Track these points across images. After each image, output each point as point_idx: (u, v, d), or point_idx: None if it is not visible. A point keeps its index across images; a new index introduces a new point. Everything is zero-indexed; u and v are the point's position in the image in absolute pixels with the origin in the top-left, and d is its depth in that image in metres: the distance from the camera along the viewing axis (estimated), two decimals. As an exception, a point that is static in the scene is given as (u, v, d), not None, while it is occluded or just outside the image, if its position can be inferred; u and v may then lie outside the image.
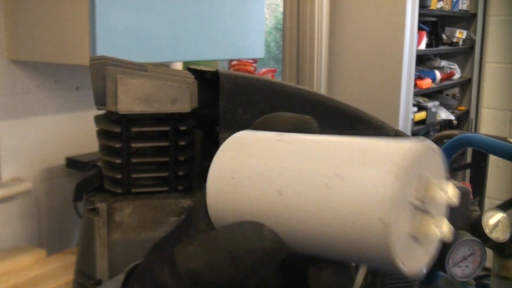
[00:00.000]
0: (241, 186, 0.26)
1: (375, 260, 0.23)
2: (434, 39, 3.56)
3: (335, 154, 0.25)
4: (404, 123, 2.78)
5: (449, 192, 0.24)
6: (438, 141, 1.75)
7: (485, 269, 0.91)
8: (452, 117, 3.69)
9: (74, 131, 1.86)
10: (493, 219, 0.91)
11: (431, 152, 0.25)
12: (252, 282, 0.28)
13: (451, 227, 0.25)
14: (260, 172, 0.26)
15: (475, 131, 3.76)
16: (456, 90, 3.89)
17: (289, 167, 0.25)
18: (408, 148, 0.23)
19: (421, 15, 2.99)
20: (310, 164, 0.25)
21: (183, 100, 0.71)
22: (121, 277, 0.38)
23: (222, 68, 2.88)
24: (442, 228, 0.24)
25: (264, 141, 0.28)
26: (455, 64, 3.79)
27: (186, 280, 0.27)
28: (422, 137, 0.28)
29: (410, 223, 0.23)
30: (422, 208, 0.24)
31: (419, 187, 0.24)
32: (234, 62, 2.85)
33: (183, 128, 0.73)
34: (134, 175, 0.72)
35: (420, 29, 3.19)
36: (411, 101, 2.88)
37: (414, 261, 0.25)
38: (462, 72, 3.86)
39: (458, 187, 0.87)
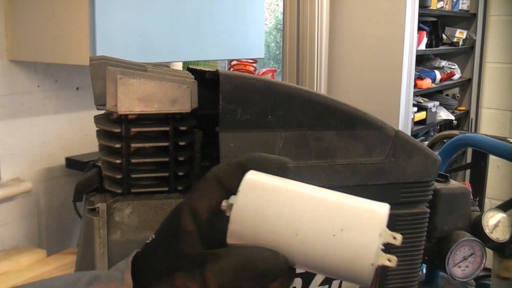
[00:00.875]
0: (264, 223, 0.36)
1: (356, 282, 0.35)
2: (434, 39, 3.56)
3: (337, 213, 0.36)
4: (404, 123, 2.78)
5: (398, 238, 0.36)
6: (438, 141, 1.75)
7: (485, 269, 0.91)
8: (452, 117, 3.69)
9: (74, 131, 1.86)
10: (493, 219, 0.91)
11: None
12: None
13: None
14: (281, 215, 0.35)
15: (475, 131, 3.76)
16: (456, 90, 3.89)
17: (304, 215, 0.35)
18: (384, 214, 0.36)
19: (421, 15, 2.99)
20: (320, 217, 0.35)
21: (183, 100, 0.71)
22: (122, 267, 0.41)
23: (222, 68, 2.88)
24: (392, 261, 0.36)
25: (276, 189, 0.37)
26: (455, 64, 3.79)
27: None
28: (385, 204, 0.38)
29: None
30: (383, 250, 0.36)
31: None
32: (234, 62, 2.85)
33: (183, 128, 0.73)
34: (134, 175, 0.72)
35: (420, 29, 3.19)
36: (411, 101, 2.88)
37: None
38: (462, 72, 3.86)
39: (458, 187, 0.87)
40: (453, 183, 0.88)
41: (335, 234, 0.35)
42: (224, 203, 0.38)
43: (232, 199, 0.37)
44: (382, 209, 0.37)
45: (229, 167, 0.40)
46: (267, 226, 0.35)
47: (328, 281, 0.75)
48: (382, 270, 0.77)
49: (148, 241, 0.41)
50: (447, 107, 3.77)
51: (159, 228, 0.41)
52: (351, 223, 0.35)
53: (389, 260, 0.36)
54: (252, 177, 0.38)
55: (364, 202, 0.37)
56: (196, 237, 0.39)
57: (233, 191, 0.38)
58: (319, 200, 0.36)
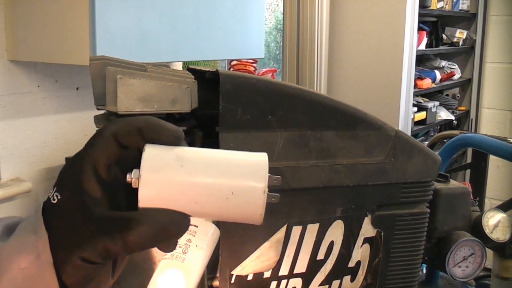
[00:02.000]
0: (168, 196, 0.42)
1: (251, 223, 0.44)
2: (434, 39, 3.56)
3: (226, 175, 0.43)
4: (404, 123, 2.78)
5: (276, 181, 0.45)
6: (438, 141, 1.75)
7: (485, 269, 0.91)
8: (452, 117, 3.69)
9: (74, 131, 1.86)
10: (493, 219, 0.91)
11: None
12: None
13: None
14: (180, 190, 0.42)
15: (475, 131, 3.76)
16: (456, 90, 3.89)
17: (198, 186, 0.42)
18: (265, 164, 0.43)
19: (421, 15, 2.99)
20: (213, 185, 0.42)
21: (183, 100, 0.71)
22: (33, 221, 0.43)
23: (222, 68, 2.88)
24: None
25: (171, 165, 0.42)
26: (455, 64, 3.79)
27: (136, 250, 0.40)
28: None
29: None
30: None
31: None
32: (234, 62, 2.85)
33: (183, 128, 0.73)
34: (134, 175, 0.72)
35: (420, 29, 3.19)
36: (411, 101, 2.88)
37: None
38: (462, 72, 3.86)
39: (458, 187, 0.87)
40: (453, 183, 0.88)
41: (228, 198, 0.42)
42: (128, 177, 0.42)
43: (135, 173, 0.42)
44: (261, 160, 0.44)
45: (127, 128, 0.42)
46: (171, 197, 0.42)
47: (328, 281, 0.75)
48: (382, 270, 0.77)
49: (53, 200, 0.42)
50: (447, 107, 3.77)
51: (59, 184, 0.43)
52: (238, 185, 0.42)
53: (273, 198, 0.44)
54: (150, 154, 0.42)
55: (246, 158, 0.44)
56: (102, 194, 0.42)
57: (129, 148, 0.43)
58: (209, 167, 0.43)
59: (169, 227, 0.41)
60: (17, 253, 0.41)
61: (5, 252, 0.41)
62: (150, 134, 0.42)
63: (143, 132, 0.42)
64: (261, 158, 0.44)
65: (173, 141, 0.43)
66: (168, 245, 0.43)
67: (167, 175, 0.42)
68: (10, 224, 0.46)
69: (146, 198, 0.41)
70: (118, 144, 0.42)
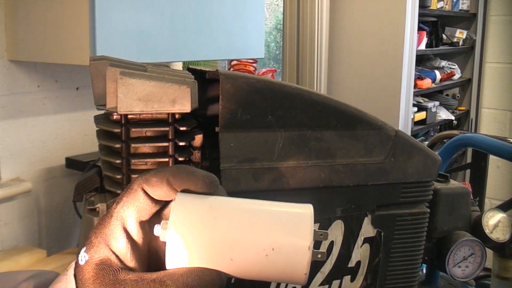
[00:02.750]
0: (199, 252, 0.37)
1: (293, 284, 0.40)
2: (434, 39, 3.56)
3: (266, 229, 0.38)
4: (404, 123, 2.78)
5: (323, 236, 0.40)
6: (438, 141, 1.75)
7: (485, 269, 0.91)
8: (452, 117, 3.69)
9: (74, 131, 1.86)
10: (493, 219, 0.91)
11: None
12: None
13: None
14: (212, 244, 0.37)
15: (475, 131, 3.76)
16: (456, 90, 3.89)
17: (234, 241, 0.37)
18: (310, 217, 0.38)
19: (421, 15, 2.99)
20: (251, 240, 0.37)
21: (183, 100, 0.71)
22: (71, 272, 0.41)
23: (222, 68, 2.88)
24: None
25: (204, 216, 0.38)
26: (455, 64, 3.79)
27: None
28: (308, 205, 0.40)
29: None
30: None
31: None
32: (234, 62, 2.84)
33: (183, 128, 0.73)
34: (134, 175, 0.72)
35: (420, 29, 3.19)
36: (411, 101, 2.88)
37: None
38: (462, 72, 3.86)
39: (458, 187, 0.87)
40: (453, 183, 0.88)
41: (268, 254, 0.37)
42: (156, 229, 0.38)
43: (163, 225, 0.38)
44: (305, 213, 0.39)
45: (156, 179, 0.39)
46: (202, 253, 0.37)
47: (328, 281, 0.75)
48: (382, 270, 0.77)
49: (81, 262, 0.40)
50: (447, 107, 3.77)
51: (87, 243, 0.40)
52: (280, 240, 0.37)
53: (319, 255, 0.39)
54: (180, 204, 0.38)
55: (288, 210, 0.39)
56: (132, 257, 0.39)
57: (159, 201, 0.39)
58: (246, 221, 0.38)
59: (200, 286, 0.37)
60: None
61: None
62: (180, 183, 0.39)
63: (172, 182, 0.39)
64: (306, 211, 0.39)
65: (206, 189, 0.39)
66: None
67: (198, 228, 0.38)
68: (42, 282, 0.44)
69: (175, 255, 0.37)
70: (149, 198, 0.39)
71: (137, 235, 0.39)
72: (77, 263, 0.40)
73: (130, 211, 0.39)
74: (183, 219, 0.38)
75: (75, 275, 0.40)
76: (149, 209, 0.40)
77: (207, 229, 0.37)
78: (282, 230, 0.38)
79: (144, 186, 0.39)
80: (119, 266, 0.38)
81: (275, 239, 0.37)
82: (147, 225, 0.40)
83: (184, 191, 0.39)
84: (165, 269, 0.38)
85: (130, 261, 0.39)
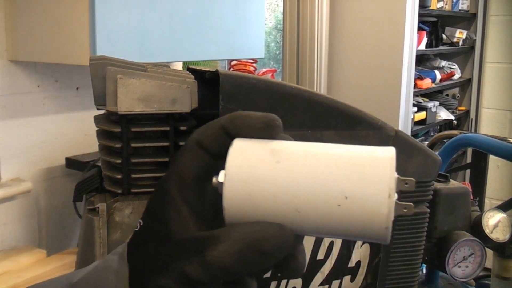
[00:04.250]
0: (260, 203, 0.32)
1: (373, 241, 0.33)
2: (434, 39, 3.56)
3: (337, 174, 0.32)
4: (404, 123, 2.78)
5: (410, 183, 0.34)
6: (438, 141, 1.75)
7: (485, 269, 0.91)
8: (452, 117, 3.69)
9: (74, 131, 1.86)
10: (493, 219, 0.91)
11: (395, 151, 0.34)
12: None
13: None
14: (277, 195, 0.32)
15: (475, 131, 3.76)
16: (456, 90, 3.89)
17: (300, 189, 0.32)
18: (390, 160, 0.33)
19: (421, 15, 2.99)
20: (321, 187, 0.32)
21: (183, 100, 0.71)
22: (121, 250, 0.39)
23: (222, 68, 2.88)
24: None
25: (265, 162, 0.33)
26: (455, 64, 3.79)
27: (221, 275, 0.33)
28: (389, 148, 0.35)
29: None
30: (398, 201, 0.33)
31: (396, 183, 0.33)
32: (234, 62, 2.84)
33: (183, 128, 0.73)
34: (134, 175, 0.72)
35: (420, 29, 3.19)
36: (411, 101, 2.88)
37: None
38: (462, 72, 3.86)
39: (458, 187, 0.87)
40: (453, 183, 0.88)
41: (340, 204, 0.31)
42: (214, 180, 0.34)
43: (221, 175, 0.33)
44: (385, 156, 0.33)
45: (210, 131, 0.36)
46: (264, 205, 0.32)
47: (328, 281, 0.75)
48: (382, 270, 0.77)
49: (136, 229, 0.37)
50: (447, 107, 3.77)
51: (145, 211, 0.38)
52: (354, 186, 0.31)
53: (405, 209, 0.33)
54: (237, 150, 0.34)
55: (364, 153, 0.33)
56: (187, 215, 0.35)
57: (218, 154, 0.35)
58: (314, 165, 0.32)
59: (260, 241, 0.32)
60: (95, 285, 0.37)
61: (86, 284, 0.38)
62: (236, 129, 0.35)
63: (228, 130, 0.35)
64: (386, 154, 0.33)
65: (265, 131, 0.34)
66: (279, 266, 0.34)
67: (258, 174, 0.33)
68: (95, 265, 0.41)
69: (233, 207, 0.33)
70: (206, 152, 0.36)
71: (196, 194, 0.35)
72: (134, 231, 0.38)
73: (185, 169, 0.36)
74: (241, 166, 0.33)
75: (130, 244, 0.38)
76: (209, 166, 0.35)
77: (268, 176, 0.32)
78: (356, 175, 0.32)
79: (200, 140, 0.36)
80: (174, 227, 0.35)
81: (348, 186, 0.31)
82: (207, 186, 0.36)
83: (242, 137, 0.35)
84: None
85: (188, 224, 0.35)
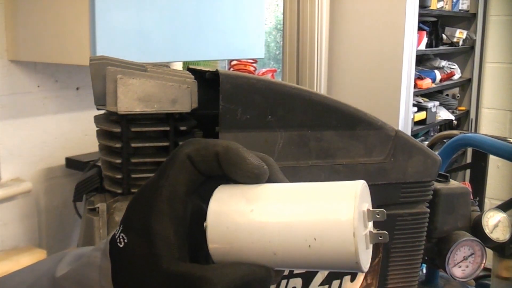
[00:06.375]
0: (240, 247, 0.35)
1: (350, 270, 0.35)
2: (434, 39, 3.56)
3: (305, 218, 0.34)
4: (404, 123, 2.78)
5: (380, 215, 0.35)
6: (438, 141, 1.75)
7: (485, 269, 0.91)
8: (452, 117, 3.69)
9: (74, 131, 1.86)
10: (493, 219, 0.91)
11: (365, 187, 0.36)
12: None
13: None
14: (253, 241, 0.35)
15: (475, 131, 3.76)
16: (456, 90, 3.89)
17: (275, 235, 0.34)
18: (354, 199, 0.34)
19: (421, 15, 2.99)
20: (291, 231, 0.34)
21: (183, 100, 0.71)
22: (103, 247, 0.38)
23: (222, 68, 2.88)
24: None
25: (240, 211, 0.35)
26: (455, 64, 3.79)
27: None
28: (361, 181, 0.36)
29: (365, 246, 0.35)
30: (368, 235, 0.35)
31: (364, 218, 0.35)
32: (234, 62, 2.84)
33: (183, 128, 0.73)
34: (134, 175, 0.72)
35: (420, 29, 3.19)
36: (411, 101, 2.88)
37: (367, 261, 0.35)
38: (462, 72, 3.86)
39: (458, 187, 0.87)
40: (453, 183, 0.88)
41: (310, 245, 0.33)
42: (205, 224, 0.36)
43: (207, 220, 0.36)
44: (349, 195, 0.34)
45: (204, 153, 0.36)
46: (244, 249, 0.35)
47: (328, 281, 0.75)
48: (382, 270, 0.77)
49: (119, 244, 0.36)
50: (447, 107, 3.77)
51: (125, 222, 0.37)
52: (320, 229, 0.33)
53: (380, 237, 0.35)
54: (218, 199, 0.36)
55: (330, 193, 0.35)
56: (177, 240, 0.35)
57: (208, 175, 0.36)
58: (284, 210, 0.35)
59: (250, 284, 0.34)
60: (80, 281, 0.37)
61: (69, 279, 0.38)
62: (228, 165, 0.36)
63: (220, 160, 0.36)
64: (351, 192, 0.34)
65: (252, 179, 0.36)
66: None
67: (235, 222, 0.35)
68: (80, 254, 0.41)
69: (217, 250, 0.35)
70: (196, 169, 0.36)
71: (184, 212, 0.36)
72: (113, 243, 0.37)
73: (174, 184, 0.35)
74: (219, 214, 0.35)
75: (111, 256, 0.37)
76: (197, 182, 0.36)
77: (244, 224, 0.35)
78: (322, 217, 0.33)
79: (192, 157, 0.36)
80: (161, 251, 0.34)
81: (315, 228, 0.33)
82: (194, 201, 0.37)
83: (229, 173, 0.36)
84: (207, 259, 0.36)
85: (175, 247, 0.35)
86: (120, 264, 0.36)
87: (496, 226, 0.90)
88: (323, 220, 0.33)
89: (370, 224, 0.35)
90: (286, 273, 0.72)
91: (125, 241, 0.36)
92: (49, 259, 0.42)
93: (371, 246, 0.36)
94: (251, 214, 0.35)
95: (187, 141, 0.37)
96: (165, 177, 0.36)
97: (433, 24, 3.54)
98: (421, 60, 3.67)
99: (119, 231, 0.37)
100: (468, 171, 2.51)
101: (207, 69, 0.79)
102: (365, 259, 0.34)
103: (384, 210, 0.35)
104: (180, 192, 0.35)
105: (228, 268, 0.34)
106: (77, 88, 1.86)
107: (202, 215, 0.36)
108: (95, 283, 0.36)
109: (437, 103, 3.53)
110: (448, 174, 0.88)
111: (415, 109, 3.26)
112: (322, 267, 0.34)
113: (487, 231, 0.89)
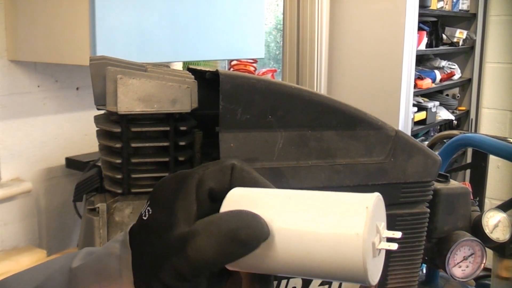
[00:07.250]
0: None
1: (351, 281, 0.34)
2: (434, 39, 3.56)
3: (317, 229, 0.34)
4: (404, 123, 2.78)
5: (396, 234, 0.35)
6: (438, 141, 1.75)
7: (485, 269, 0.91)
8: (452, 117, 3.69)
9: (74, 131, 1.86)
10: (493, 219, 0.91)
11: (379, 200, 0.35)
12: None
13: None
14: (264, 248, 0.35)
15: (475, 131, 3.76)
16: (456, 90, 3.89)
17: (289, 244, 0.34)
18: (363, 206, 0.33)
19: (421, 15, 2.99)
20: (302, 242, 0.34)
21: (183, 100, 0.71)
22: (121, 238, 0.40)
23: (222, 68, 2.88)
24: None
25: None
26: (455, 64, 3.79)
27: (203, 268, 0.34)
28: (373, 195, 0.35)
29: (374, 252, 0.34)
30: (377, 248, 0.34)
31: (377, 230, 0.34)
32: (234, 62, 2.84)
33: (183, 128, 0.73)
34: (134, 175, 0.72)
35: (420, 29, 3.19)
36: (411, 101, 2.88)
37: (376, 274, 0.35)
38: (462, 72, 3.86)
39: (458, 187, 0.87)
40: (453, 183, 0.88)
41: (320, 258, 0.34)
42: None
43: None
44: (360, 202, 0.34)
45: (219, 174, 0.38)
46: (253, 254, 0.35)
47: (328, 281, 0.75)
48: (382, 270, 0.77)
49: (144, 217, 0.38)
50: (447, 107, 3.77)
51: (153, 198, 0.39)
52: (331, 241, 0.33)
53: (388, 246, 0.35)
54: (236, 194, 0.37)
55: (343, 206, 0.34)
56: (195, 216, 0.36)
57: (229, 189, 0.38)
58: (301, 221, 0.35)
59: (236, 232, 0.33)
60: (98, 270, 0.38)
61: (87, 269, 0.39)
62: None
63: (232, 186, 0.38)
64: (364, 199, 0.34)
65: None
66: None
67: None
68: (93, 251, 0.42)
69: None
70: (230, 182, 0.38)
71: (207, 201, 0.38)
72: (139, 218, 0.39)
73: (210, 176, 0.38)
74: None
75: (131, 245, 0.38)
76: (222, 189, 0.38)
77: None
78: (332, 227, 0.33)
79: (236, 171, 0.38)
80: (178, 222, 0.36)
81: (325, 238, 0.33)
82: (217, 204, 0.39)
83: None
84: None
85: (191, 221, 0.36)
86: (140, 237, 0.38)
87: (496, 226, 0.90)
88: (333, 233, 0.33)
89: (383, 231, 0.35)
90: (286, 273, 0.72)
91: (149, 213, 0.38)
92: (59, 258, 0.43)
93: (382, 258, 0.36)
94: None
95: (245, 163, 0.39)
96: (203, 168, 0.38)
97: (433, 24, 3.54)
98: (421, 60, 3.67)
99: (146, 205, 0.39)
100: (468, 171, 2.51)
101: (207, 69, 0.79)
102: (375, 274, 0.34)
103: (401, 233, 0.35)
104: (209, 183, 0.37)
105: (215, 217, 0.35)
106: (77, 88, 1.86)
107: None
108: (114, 271, 0.38)
109: (437, 103, 3.53)
110: (448, 174, 0.88)
111: (415, 109, 3.26)
112: (331, 279, 0.34)
113: (487, 231, 0.89)
